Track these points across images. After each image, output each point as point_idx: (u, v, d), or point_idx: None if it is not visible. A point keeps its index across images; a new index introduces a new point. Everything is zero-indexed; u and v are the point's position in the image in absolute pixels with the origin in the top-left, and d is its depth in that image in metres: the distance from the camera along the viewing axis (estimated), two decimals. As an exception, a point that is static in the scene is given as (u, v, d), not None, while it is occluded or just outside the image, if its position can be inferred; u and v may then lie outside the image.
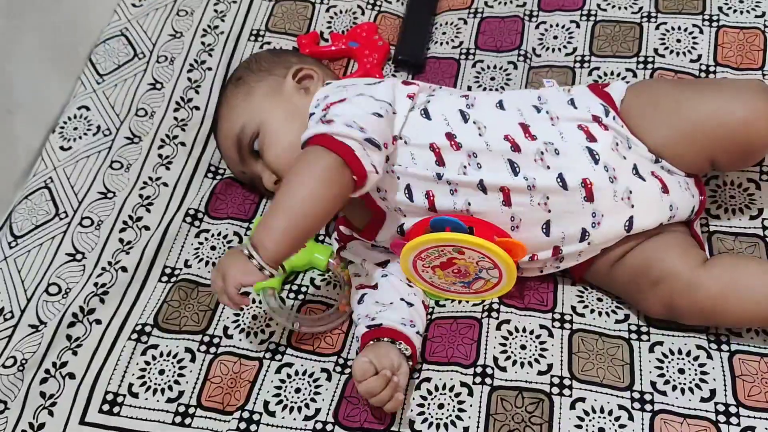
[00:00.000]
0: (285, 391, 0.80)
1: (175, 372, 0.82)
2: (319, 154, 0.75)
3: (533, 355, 0.80)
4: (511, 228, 0.80)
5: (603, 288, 0.85)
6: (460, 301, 0.87)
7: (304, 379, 0.81)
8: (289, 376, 0.82)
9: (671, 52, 1.02)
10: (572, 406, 0.76)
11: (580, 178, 0.78)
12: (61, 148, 1.00)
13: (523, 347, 0.81)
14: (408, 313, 0.82)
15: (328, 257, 0.91)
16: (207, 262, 0.91)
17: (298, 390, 0.80)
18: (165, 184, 0.97)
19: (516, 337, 0.82)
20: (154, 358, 0.83)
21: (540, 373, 0.79)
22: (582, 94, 0.85)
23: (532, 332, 0.82)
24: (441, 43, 1.09)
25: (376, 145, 0.76)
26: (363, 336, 0.80)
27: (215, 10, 1.14)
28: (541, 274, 0.86)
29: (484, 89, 1.04)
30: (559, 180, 0.78)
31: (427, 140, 0.81)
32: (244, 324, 0.86)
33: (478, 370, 0.79)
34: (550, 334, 0.82)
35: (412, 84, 0.87)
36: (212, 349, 0.84)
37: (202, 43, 1.10)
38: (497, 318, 0.83)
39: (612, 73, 1.02)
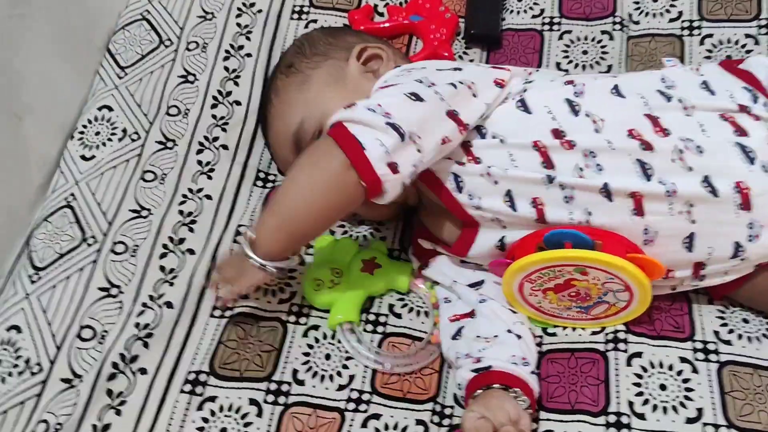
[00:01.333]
0: (376, 451, 0.66)
1: (239, 430, 0.68)
2: (325, 151, 0.63)
3: (677, 397, 0.66)
4: (643, 242, 0.65)
5: (759, 308, 0.70)
6: (574, 328, 0.72)
7: (397, 435, 0.67)
8: (378, 431, 0.67)
9: (798, 12, 0.86)
10: (736, 463, 0.62)
11: (732, 181, 0.63)
12: (83, 157, 0.85)
13: (663, 387, 0.67)
14: (518, 349, 0.68)
15: (410, 276, 0.76)
16: (266, 291, 0.76)
17: (391, 449, 0.66)
18: (208, 197, 0.82)
19: (652, 374, 0.67)
20: (213, 413, 0.69)
21: (689, 420, 0.65)
22: (717, 75, 0.69)
23: (671, 367, 0.68)
24: (517, 12, 0.94)
25: (401, 134, 0.62)
26: (469, 383, 0.66)
27: (250, -16, 0.98)
28: (672, 292, 0.71)
29: (577, 66, 0.88)
30: (706, 184, 0.63)
31: (528, 138, 0.66)
32: (317, 366, 0.72)
33: (611, 419, 0.65)
34: (694, 370, 0.67)
35: (502, 69, 0.71)
36: (281, 399, 0.70)
37: (238, 25, 0.95)
38: (625, 350, 0.69)
39: (728, 41, 0.87)
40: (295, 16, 0.95)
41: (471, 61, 0.91)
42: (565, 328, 0.72)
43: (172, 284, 0.76)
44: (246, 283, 0.68)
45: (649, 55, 0.88)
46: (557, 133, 0.66)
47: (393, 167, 0.62)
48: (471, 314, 0.72)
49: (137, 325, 0.73)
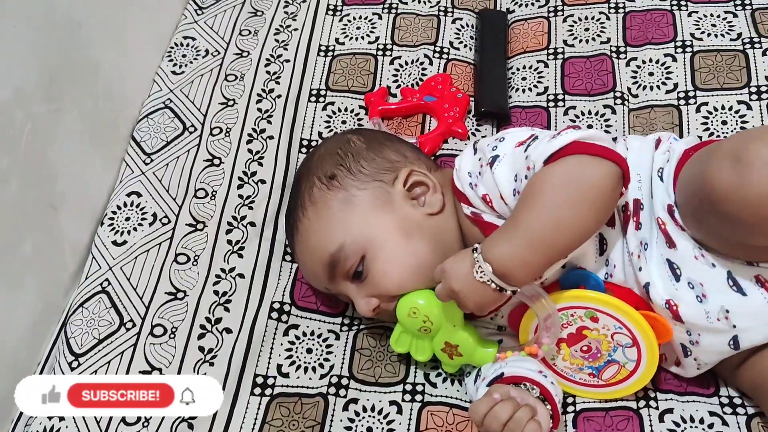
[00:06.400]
0: None
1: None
2: (591, 165, 0.62)
3: (711, 451, 0.69)
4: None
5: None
6: (603, 390, 0.75)
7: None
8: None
9: (785, 79, 0.92)
10: None
11: None
12: (114, 243, 0.88)
13: (697, 442, 0.69)
14: (543, 366, 0.71)
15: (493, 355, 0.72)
16: (306, 369, 0.78)
17: None
18: (241, 275, 0.84)
19: (685, 429, 0.70)
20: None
21: (727, 473, 0.67)
22: None
23: (702, 421, 0.70)
24: (523, 90, 0.99)
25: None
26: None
27: (268, 72, 1.02)
28: None
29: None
30: None
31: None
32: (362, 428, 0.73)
33: (652, 475, 0.68)
34: (724, 423, 0.70)
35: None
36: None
37: (259, 110, 0.99)
38: (656, 407, 0.72)
39: (723, 108, 0.92)
40: (313, 99, 1.00)
41: (483, 137, 0.95)
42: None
43: (212, 364, 0.77)
44: (484, 309, 0.66)
45: (649, 125, 0.92)
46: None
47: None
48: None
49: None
